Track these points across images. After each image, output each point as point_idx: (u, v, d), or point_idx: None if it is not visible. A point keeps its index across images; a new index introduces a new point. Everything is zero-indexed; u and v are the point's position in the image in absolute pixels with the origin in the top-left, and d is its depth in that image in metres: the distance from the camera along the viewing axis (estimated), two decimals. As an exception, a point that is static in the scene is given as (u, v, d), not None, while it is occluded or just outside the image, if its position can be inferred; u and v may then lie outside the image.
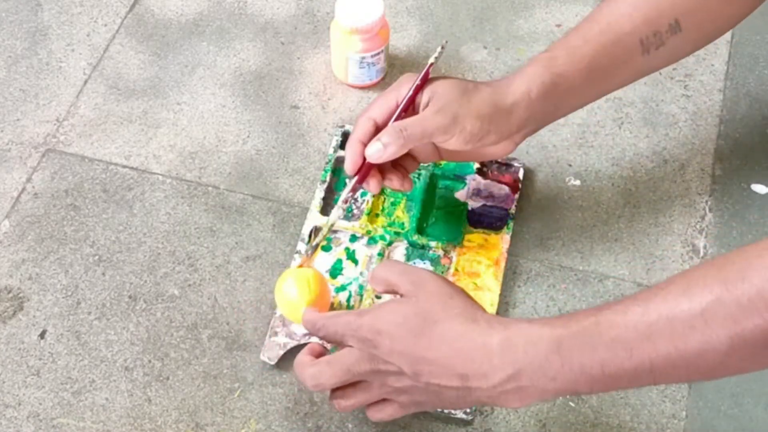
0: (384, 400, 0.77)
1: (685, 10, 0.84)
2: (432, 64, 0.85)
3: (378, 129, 0.84)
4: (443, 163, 1.00)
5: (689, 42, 0.86)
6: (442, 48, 0.86)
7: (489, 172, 1.00)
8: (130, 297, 0.93)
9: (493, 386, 0.70)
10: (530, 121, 0.84)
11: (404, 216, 0.97)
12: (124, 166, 1.02)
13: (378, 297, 0.92)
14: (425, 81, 0.84)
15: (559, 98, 0.84)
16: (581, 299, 0.93)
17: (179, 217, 0.98)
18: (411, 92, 0.83)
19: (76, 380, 0.88)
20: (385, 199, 0.98)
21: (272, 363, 0.88)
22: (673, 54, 0.87)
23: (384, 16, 1.03)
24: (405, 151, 0.83)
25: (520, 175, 1.00)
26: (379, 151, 0.82)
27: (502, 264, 0.94)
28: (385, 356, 0.72)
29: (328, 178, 0.99)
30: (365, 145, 0.83)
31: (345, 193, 0.86)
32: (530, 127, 0.85)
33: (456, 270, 0.93)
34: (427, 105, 0.83)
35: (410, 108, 0.84)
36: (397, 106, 0.84)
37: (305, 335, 0.89)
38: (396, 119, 0.83)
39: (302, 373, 0.77)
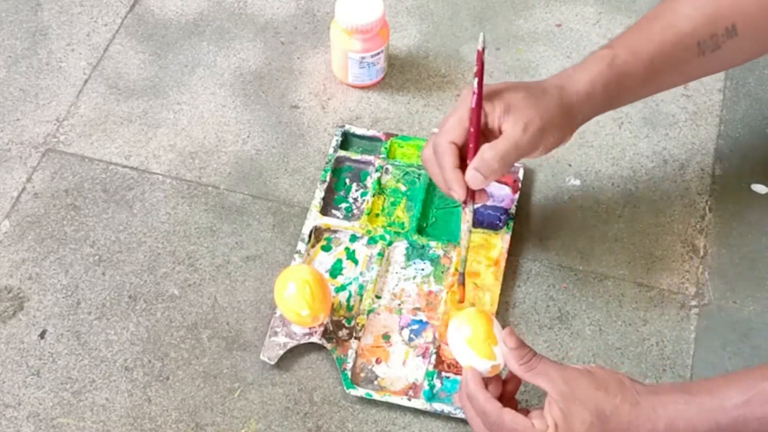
0: None
1: (744, 15, 0.83)
2: (481, 54, 0.80)
3: (460, 150, 0.82)
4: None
5: (745, 48, 0.86)
6: (483, 38, 0.80)
7: (489, 172, 1.00)
8: (130, 297, 0.93)
9: None
10: (588, 116, 0.85)
11: (404, 216, 0.97)
12: (124, 166, 1.02)
13: (378, 297, 0.92)
14: (482, 78, 0.80)
15: (617, 95, 0.85)
16: (581, 299, 0.93)
17: (179, 217, 0.98)
18: (476, 98, 0.80)
19: (76, 380, 0.88)
20: (385, 199, 0.98)
21: (272, 363, 0.88)
22: (727, 59, 0.87)
23: (384, 16, 1.03)
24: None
25: (520, 175, 1.00)
26: (481, 181, 0.80)
27: (502, 264, 0.94)
28: None
29: (328, 178, 0.99)
30: (460, 169, 0.81)
31: (467, 222, 0.83)
32: (586, 120, 0.86)
33: (456, 270, 0.93)
34: (503, 116, 0.81)
35: (480, 116, 0.81)
36: (471, 121, 0.81)
37: (305, 335, 0.89)
38: (474, 135, 0.81)
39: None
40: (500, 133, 0.81)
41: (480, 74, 0.80)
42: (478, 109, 0.80)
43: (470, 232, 0.84)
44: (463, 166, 0.81)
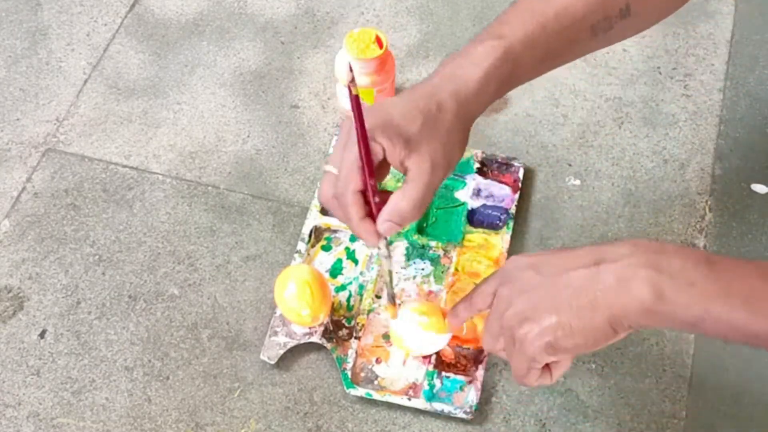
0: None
1: None
2: (357, 97, 0.70)
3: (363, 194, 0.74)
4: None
5: (635, 26, 0.84)
6: (351, 71, 0.70)
7: (489, 171, 1.00)
8: (130, 297, 0.93)
9: (627, 263, 0.67)
10: (481, 111, 0.79)
11: (404, 216, 0.97)
12: (124, 166, 1.02)
13: (378, 297, 0.92)
14: (361, 114, 0.71)
15: (508, 84, 0.81)
16: (581, 299, 0.93)
17: (179, 217, 0.98)
18: (361, 141, 0.72)
19: (76, 380, 0.88)
20: (385, 199, 0.98)
21: (272, 363, 0.88)
22: (617, 37, 0.85)
23: (387, 51, 0.98)
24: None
25: (520, 174, 1.00)
26: (396, 230, 0.74)
27: (502, 264, 0.94)
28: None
29: (328, 178, 0.99)
30: (369, 216, 0.74)
31: (383, 253, 0.78)
32: (477, 117, 0.80)
33: (456, 270, 0.93)
34: (405, 152, 0.73)
35: (371, 157, 0.72)
36: (363, 164, 0.73)
37: (305, 335, 0.89)
38: (368, 175, 0.72)
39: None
40: (405, 170, 0.73)
41: (358, 110, 0.71)
42: (366, 150, 0.72)
43: (388, 259, 0.79)
44: (368, 208, 0.74)
